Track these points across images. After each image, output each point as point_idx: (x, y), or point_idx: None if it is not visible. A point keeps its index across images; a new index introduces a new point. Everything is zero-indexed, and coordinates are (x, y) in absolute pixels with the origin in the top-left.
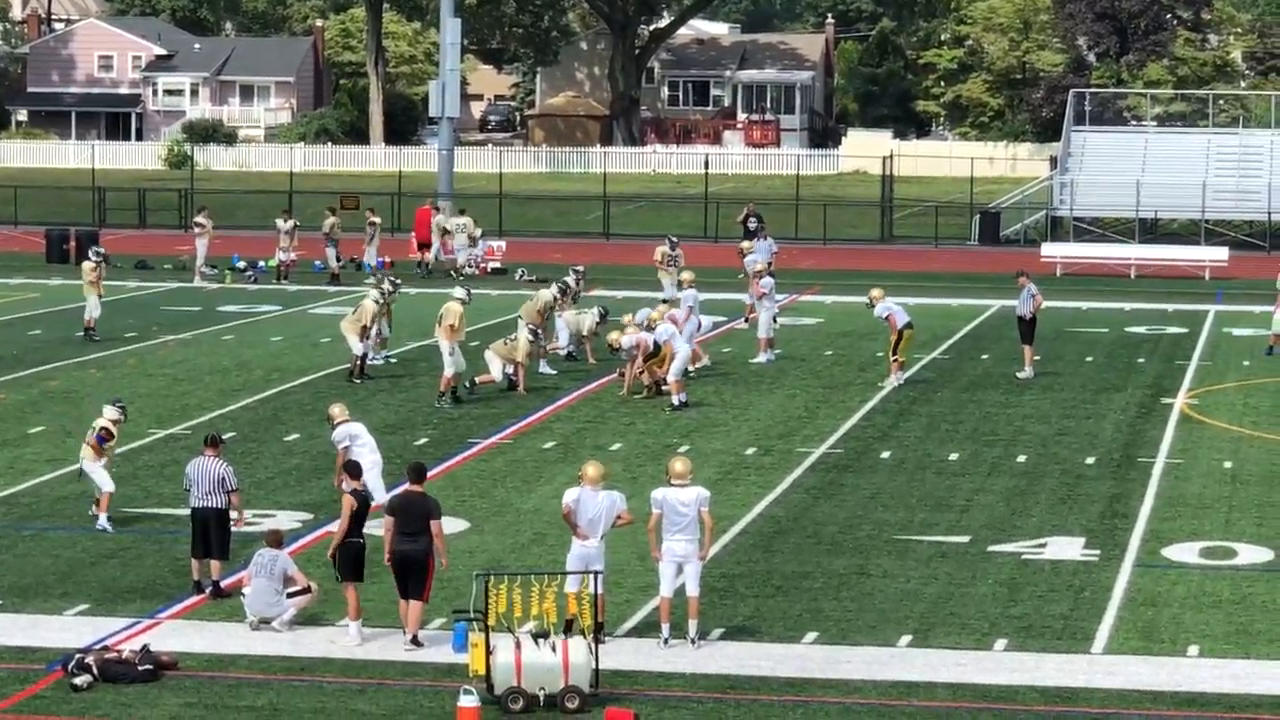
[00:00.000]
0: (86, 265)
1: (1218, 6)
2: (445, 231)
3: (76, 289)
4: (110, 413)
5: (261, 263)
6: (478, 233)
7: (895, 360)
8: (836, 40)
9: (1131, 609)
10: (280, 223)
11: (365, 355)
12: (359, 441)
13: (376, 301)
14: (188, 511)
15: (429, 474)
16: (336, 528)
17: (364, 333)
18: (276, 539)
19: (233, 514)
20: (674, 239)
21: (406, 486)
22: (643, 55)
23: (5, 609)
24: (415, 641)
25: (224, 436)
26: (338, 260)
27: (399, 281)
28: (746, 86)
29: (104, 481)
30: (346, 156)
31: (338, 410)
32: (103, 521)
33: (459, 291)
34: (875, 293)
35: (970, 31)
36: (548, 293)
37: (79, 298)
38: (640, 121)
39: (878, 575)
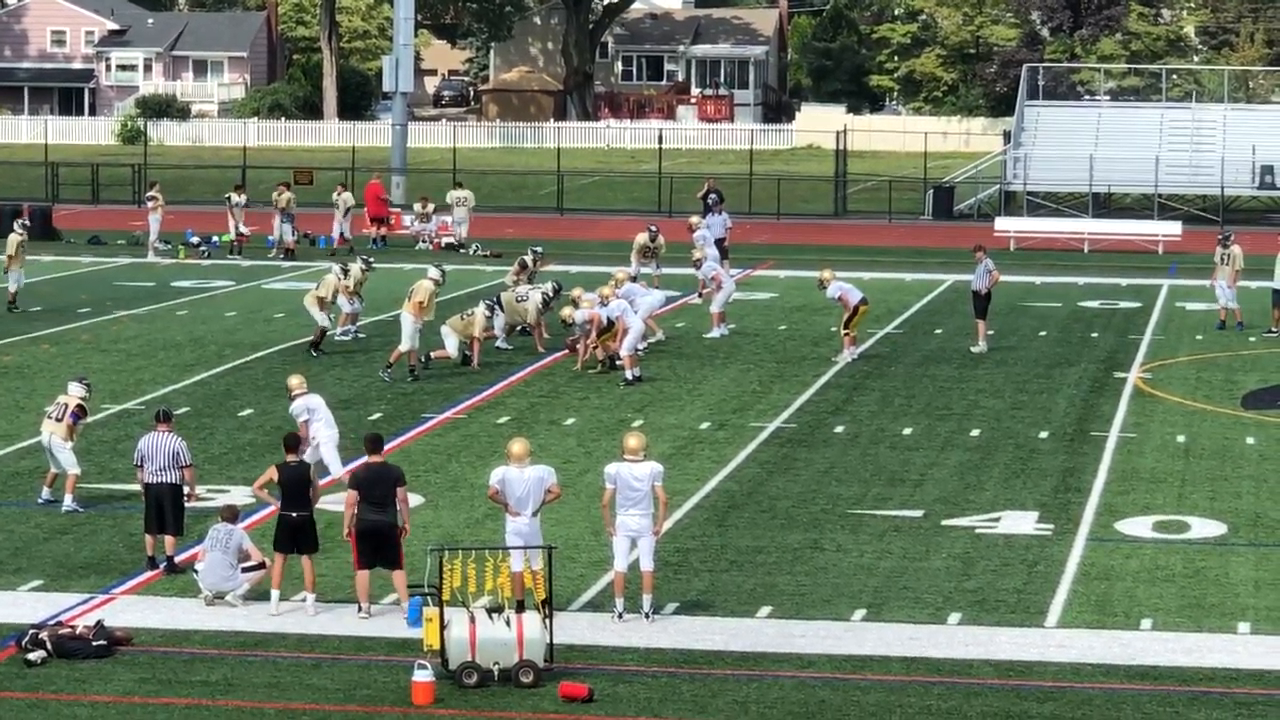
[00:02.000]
0: (13, 238)
1: None
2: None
3: (29, 265)
4: (76, 390)
5: (215, 238)
6: (430, 208)
7: (847, 334)
8: (790, 15)
9: (1085, 583)
10: (235, 197)
11: (325, 329)
12: (316, 415)
13: (339, 276)
14: (140, 487)
15: (379, 445)
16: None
17: (322, 304)
18: (231, 514)
19: (185, 489)
20: (654, 228)
21: (366, 459)
22: (596, 30)
23: None
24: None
25: (177, 411)
26: (293, 235)
27: (371, 260)
28: (700, 61)
29: (70, 464)
30: (300, 131)
31: (296, 382)
32: (70, 503)
33: (434, 271)
34: (825, 274)
35: (923, 6)
36: (535, 298)
37: (32, 274)
38: (594, 96)
39: (831, 550)
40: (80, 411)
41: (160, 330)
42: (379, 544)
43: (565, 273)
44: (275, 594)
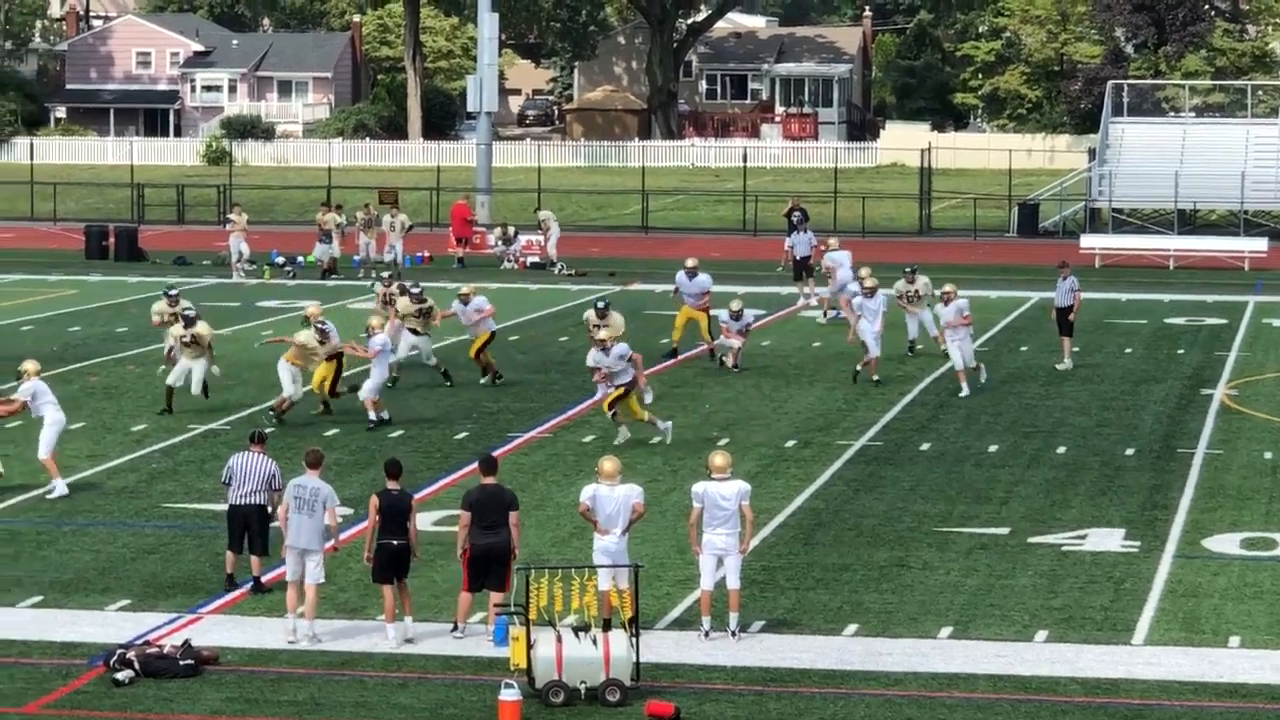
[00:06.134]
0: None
1: None
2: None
3: (116, 285)
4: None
5: (300, 258)
6: (512, 231)
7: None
8: (874, 33)
9: (1172, 600)
10: (337, 217)
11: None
12: (43, 398)
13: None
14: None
15: (493, 467)
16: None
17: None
18: (316, 458)
19: (269, 510)
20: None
21: (482, 481)
22: (680, 49)
23: (47, 604)
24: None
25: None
26: (382, 253)
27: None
28: (784, 80)
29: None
30: (384, 152)
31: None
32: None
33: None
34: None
35: (1008, 23)
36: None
37: (117, 294)
38: (678, 115)
39: (918, 567)
40: None
41: (245, 350)
42: (488, 566)
43: (650, 292)
44: (391, 628)
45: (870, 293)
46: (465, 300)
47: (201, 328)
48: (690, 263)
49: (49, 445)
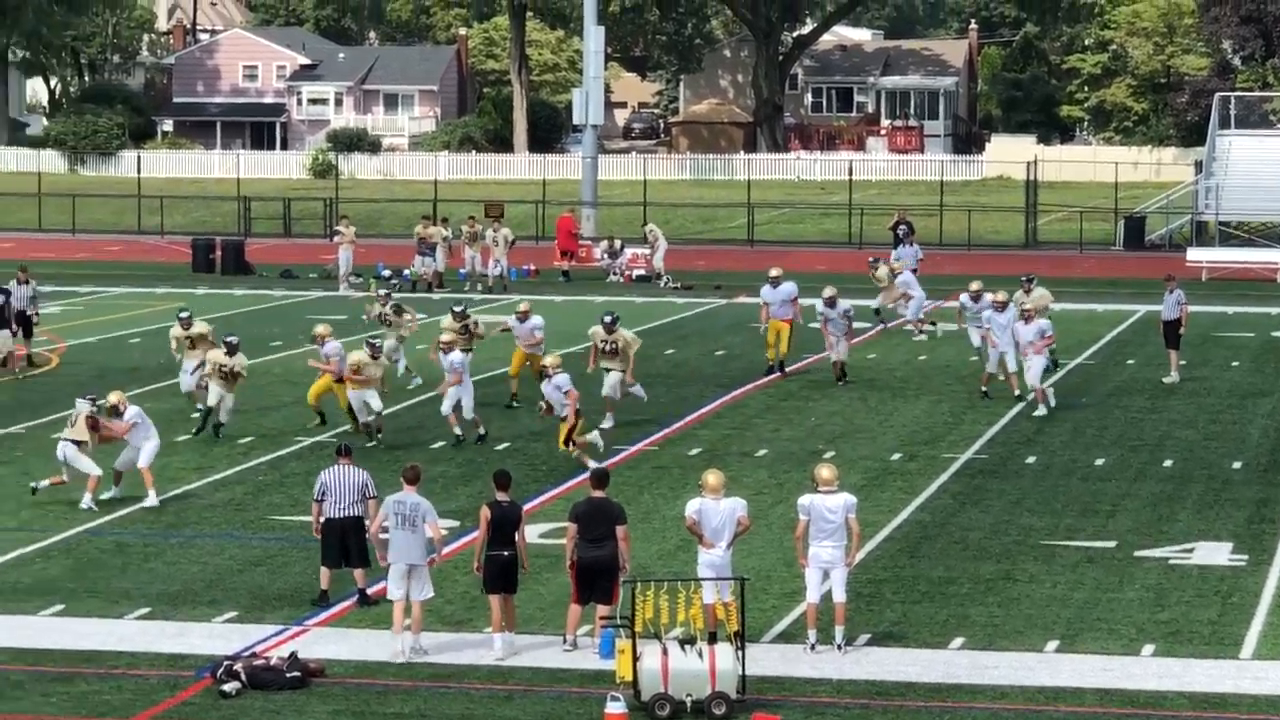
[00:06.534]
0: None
1: None
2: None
3: (222, 298)
4: (84, 406)
5: (406, 271)
6: (618, 243)
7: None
8: (980, 46)
9: None
10: (443, 231)
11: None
12: (146, 424)
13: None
14: (313, 520)
15: (605, 480)
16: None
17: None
18: (414, 475)
19: (367, 521)
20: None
21: (591, 493)
22: (786, 61)
23: (154, 616)
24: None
25: (369, 445)
26: (488, 266)
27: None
28: (890, 93)
29: (90, 468)
30: (490, 165)
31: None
32: (88, 501)
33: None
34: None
35: (1114, 36)
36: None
37: (224, 307)
38: (784, 128)
39: (1024, 580)
40: (93, 422)
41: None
42: (595, 579)
43: (755, 305)
44: (498, 638)
45: (1001, 307)
46: (523, 317)
47: (241, 360)
48: (774, 272)
49: (149, 457)
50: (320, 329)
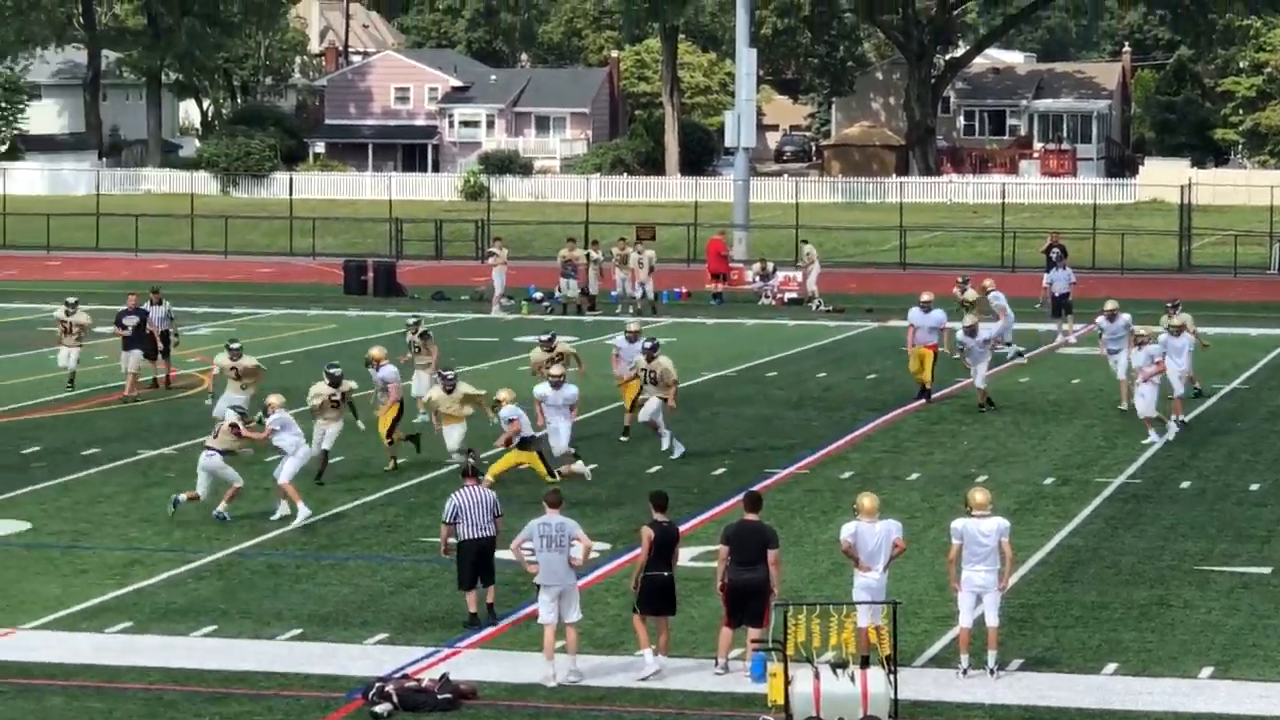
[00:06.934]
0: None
1: None
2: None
3: (374, 320)
4: (231, 414)
5: (557, 293)
6: (770, 266)
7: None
8: (1133, 69)
9: None
10: (594, 253)
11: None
12: (291, 430)
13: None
14: (441, 542)
15: (758, 504)
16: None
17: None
18: (557, 499)
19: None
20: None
21: (744, 516)
22: (939, 84)
23: (306, 637)
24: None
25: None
26: (634, 289)
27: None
28: (1042, 115)
29: (234, 477)
30: (642, 187)
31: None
32: (223, 509)
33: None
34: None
35: (1269, 59)
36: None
37: (376, 329)
38: (936, 151)
39: (1178, 606)
40: (236, 430)
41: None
42: (746, 603)
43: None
44: (648, 654)
45: (1177, 331)
46: (633, 338)
47: (350, 385)
48: (925, 296)
49: (289, 473)
50: (375, 351)
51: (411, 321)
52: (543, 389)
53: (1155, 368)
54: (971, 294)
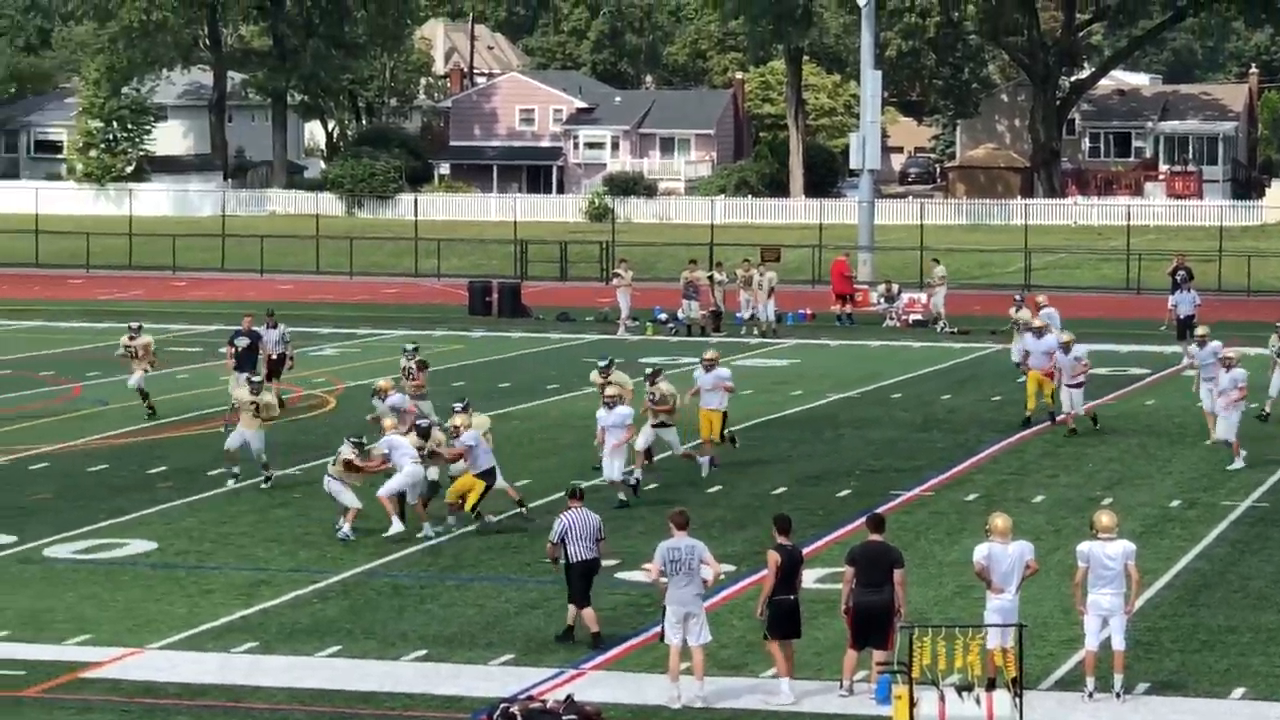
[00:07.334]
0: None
1: None
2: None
3: (499, 341)
4: (346, 449)
5: (680, 314)
6: (895, 288)
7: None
8: (1260, 90)
9: None
10: (718, 275)
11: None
12: (400, 451)
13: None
14: (606, 563)
15: (881, 525)
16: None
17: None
18: (684, 520)
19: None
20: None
21: (869, 537)
22: (1064, 106)
23: (431, 658)
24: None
25: (647, 487)
26: (760, 311)
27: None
28: (1168, 137)
29: (352, 500)
30: (766, 209)
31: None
32: (346, 529)
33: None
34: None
35: None
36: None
37: (501, 350)
38: (1061, 173)
39: None
40: (350, 465)
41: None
42: (871, 625)
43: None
44: (784, 684)
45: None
46: (709, 366)
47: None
48: (1037, 323)
49: (391, 489)
50: (383, 382)
51: (410, 349)
52: (600, 412)
53: (1239, 393)
54: (1025, 314)
